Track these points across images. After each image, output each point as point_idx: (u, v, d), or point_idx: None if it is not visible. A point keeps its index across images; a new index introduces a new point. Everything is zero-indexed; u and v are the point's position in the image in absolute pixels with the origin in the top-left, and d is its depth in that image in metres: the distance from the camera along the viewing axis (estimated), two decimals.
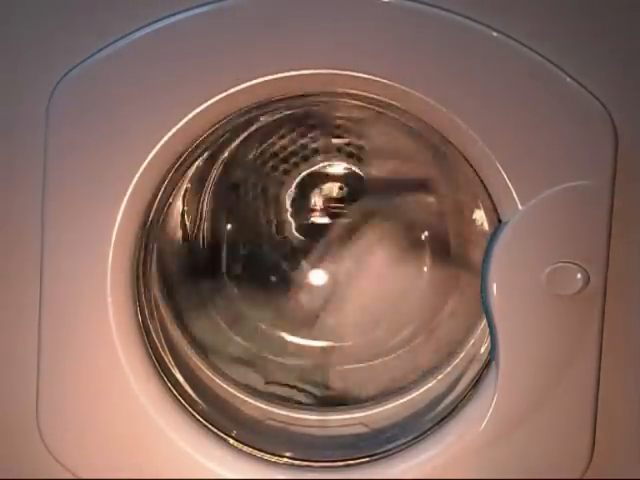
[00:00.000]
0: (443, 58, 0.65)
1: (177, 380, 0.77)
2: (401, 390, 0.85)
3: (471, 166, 0.68)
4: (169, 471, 0.72)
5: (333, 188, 0.93)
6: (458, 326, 0.88)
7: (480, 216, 0.83)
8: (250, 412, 0.84)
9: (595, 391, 0.70)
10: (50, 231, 0.68)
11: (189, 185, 0.86)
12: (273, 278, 0.95)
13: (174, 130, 0.66)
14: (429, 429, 0.75)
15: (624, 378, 0.72)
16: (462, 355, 0.83)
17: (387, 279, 0.94)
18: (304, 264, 0.94)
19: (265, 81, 0.65)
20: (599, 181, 0.66)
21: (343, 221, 0.93)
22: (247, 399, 0.85)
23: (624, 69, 0.66)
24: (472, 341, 0.83)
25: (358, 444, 0.81)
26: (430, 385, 0.84)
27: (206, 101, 0.65)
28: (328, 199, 0.93)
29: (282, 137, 0.90)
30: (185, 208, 0.88)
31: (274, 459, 0.76)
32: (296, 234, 0.94)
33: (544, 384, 0.70)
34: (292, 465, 0.76)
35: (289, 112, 0.82)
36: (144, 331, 0.73)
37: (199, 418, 0.75)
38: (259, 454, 0.76)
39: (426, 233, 0.93)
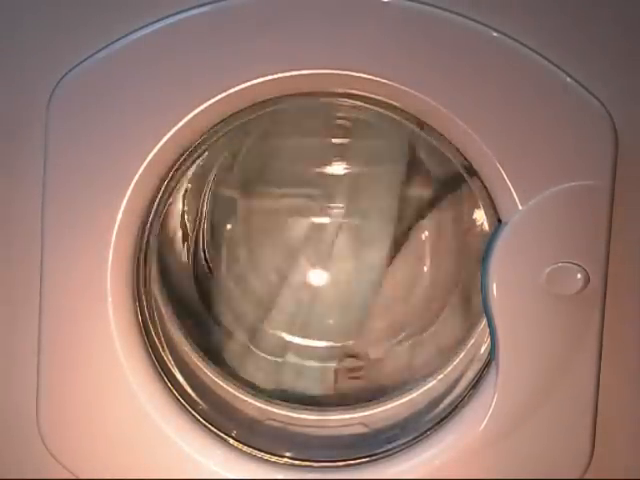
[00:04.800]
0: (443, 58, 0.65)
1: (177, 380, 0.77)
2: (401, 390, 0.85)
3: (471, 166, 0.68)
4: (169, 471, 0.72)
5: (333, 188, 0.93)
6: (458, 326, 0.88)
7: (480, 216, 0.83)
8: (250, 412, 0.84)
9: (595, 391, 0.70)
10: (50, 231, 0.68)
11: (189, 185, 0.86)
12: (273, 278, 0.95)
13: (174, 130, 0.66)
14: (429, 429, 0.75)
15: (624, 378, 0.72)
16: (462, 355, 0.83)
17: (387, 279, 0.94)
18: (304, 264, 0.94)
19: (265, 81, 0.65)
20: (599, 181, 0.66)
21: (343, 221, 0.93)
22: (247, 399, 0.85)
23: (624, 69, 0.66)
24: (472, 341, 0.83)
25: (358, 444, 0.81)
26: (430, 385, 0.84)
27: (206, 101, 0.65)
28: (328, 199, 0.93)
29: (282, 137, 0.90)
30: (185, 208, 0.88)
31: (274, 459, 0.76)
32: (296, 234, 0.94)
33: (544, 384, 0.70)
34: (292, 465, 0.76)
35: (289, 112, 0.82)
36: (144, 331, 0.73)
37: (199, 418, 0.75)
38: (259, 454, 0.76)
39: (426, 233, 0.93)
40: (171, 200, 0.80)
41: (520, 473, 0.72)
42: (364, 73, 0.65)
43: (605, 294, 0.68)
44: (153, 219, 0.74)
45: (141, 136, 0.66)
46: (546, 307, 0.68)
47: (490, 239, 0.69)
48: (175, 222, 0.87)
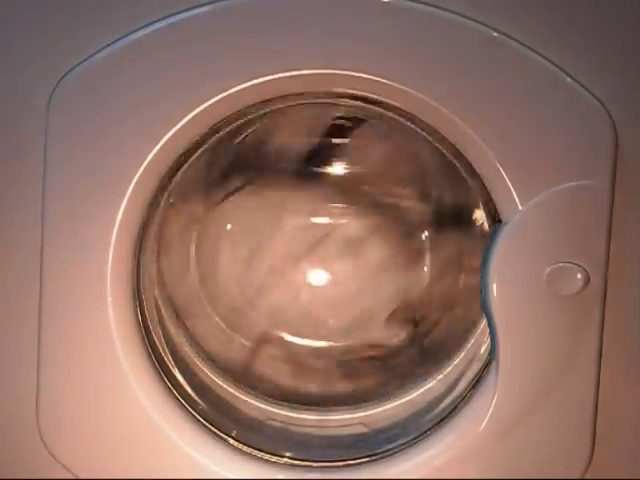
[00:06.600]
0: (443, 58, 0.65)
1: (177, 380, 0.77)
2: (401, 390, 0.85)
3: (471, 166, 0.68)
4: (169, 471, 0.72)
5: (333, 188, 0.93)
6: (458, 326, 0.88)
7: (480, 216, 0.83)
8: (250, 412, 0.84)
9: (595, 391, 0.70)
10: (50, 231, 0.68)
11: (189, 185, 0.86)
12: (273, 278, 0.95)
13: (174, 130, 0.66)
14: (429, 429, 0.75)
15: (624, 378, 0.72)
16: (462, 355, 0.83)
17: (387, 279, 0.94)
18: (304, 264, 0.94)
19: (265, 81, 0.65)
20: (599, 181, 0.66)
21: (343, 221, 0.93)
22: (247, 399, 0.85)
23: (624, 69, 0.66)
24: (472, 341, 0.83)
25: (358, 444, 0.81)
26: (430, 385, 0.84)
27: (206, 101, 0.65)
28: (328, 199, 0.93)
29: (282, 137, 0.90)
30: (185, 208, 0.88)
31: (274, 459, 0.76)
32: (296, 234, 0.94)
33: (544, 384, 0.70)
34: (292, 465, 0.76)
35: (289, 112, 0.82)
36: (144, 331, 0.73)
37: (199, 418, 0.75)
38: (259, 454, 0.76)
39: (426, 233, 0.93)
40: (171, 200, 0.80)
41: (520, 473, 0.72)
42: (364, 73, 0.65)
43: (605, 294, 0.68)
44: (153, 219, 0.74)
45: (141, 136, 0.66)
46: (546, 307, 0.68)
47: (490, 239, 0.69)
48: (175, 222, 0.87)
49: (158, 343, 0.77)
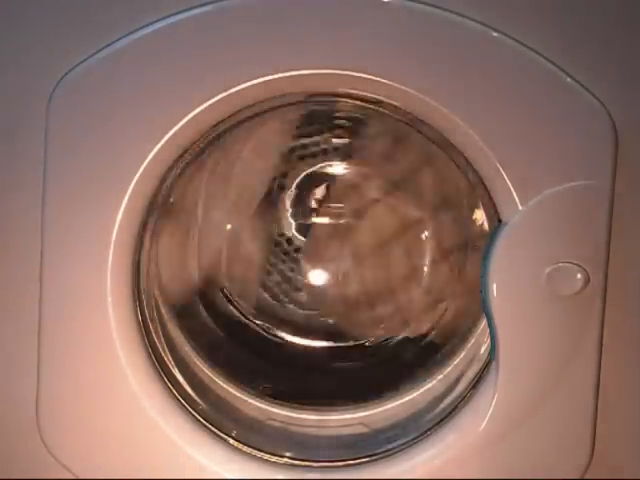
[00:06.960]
0: (443, 58, 0.65)
1: (177, 380, 0.77)
2: (401, 390, 0.85)
3: (471, 166, 0.68)
4: (169, 471, 0.72)
5: (333, 188, 0.93)
6: (458, 326, 0.88)
7: (480, 216, 0.83)
8: (250, 412, 0.84)
9: (595, 391, 0.70)
10: (50, 231, 0.68)
11: (189, 185, 0.86)
12: (273, 278, 0.95)
13: (174, 130, 0.66)
14: (429, 429, 0.75)
15: (624, 378, 0.72)
16: (462, 355, 0.83)
17: (387, 279, 0.94)
18: (304, 264, 0.94)
19: (265, 81, 0.65)
20: (599, 181, 0.66)
21: (343, 221, 0.93)
22: (247, 399, 0.85)
23: (624, 69, 0.66)
24: (472, 341, 0.83)
25: (358, 444, 0.81)
26: (430, 385, 0.84)
27: (206, 101, 0.65)
28: (328, 199, 0.93)
29: (282, 137, 0.90)
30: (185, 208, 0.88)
31: (274, 459, 0.76)
32: (296, 234, 0.94)
33: (544, 384, 0.70)
34: (292, 465, 0.76)
35: (289, 112, 0.82)
36: (144, 331, 0.73)
37: (199, 418, 0.75)
38: (259, 454, 0.76)
39: (426, 233, 0.93)
40: (171, 200, 0.80)
41: (520, 473, 0.72)
42: (364, 73, 0.65)
43: (605, 294, 0.68)
44: (153, 219, 0.74)
45: (141, 136, 0.66)
46: (546, 307, 0.68)
47: (490, 239, 0.69)
48: (175, 222, 0.87)
49: (158, 343, 0.77)
